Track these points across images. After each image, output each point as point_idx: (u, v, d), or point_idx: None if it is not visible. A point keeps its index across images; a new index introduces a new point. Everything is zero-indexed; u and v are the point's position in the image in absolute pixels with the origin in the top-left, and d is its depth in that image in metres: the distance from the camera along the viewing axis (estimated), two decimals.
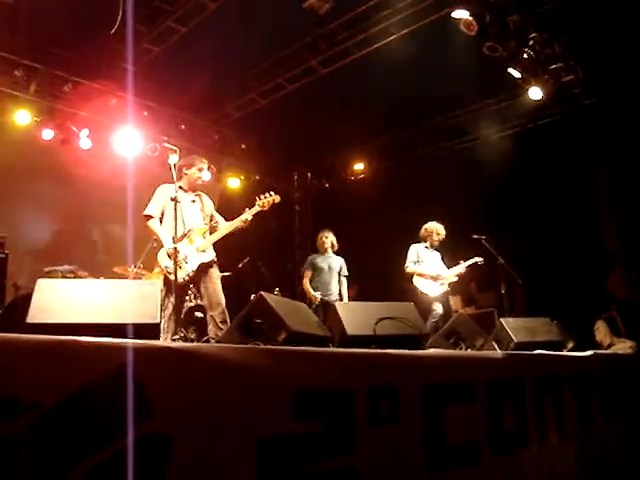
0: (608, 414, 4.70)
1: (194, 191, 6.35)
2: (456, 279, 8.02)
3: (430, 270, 7.89)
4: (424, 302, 7.67)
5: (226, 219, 6.44)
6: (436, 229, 8.12)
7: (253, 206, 6.23)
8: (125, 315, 3.06)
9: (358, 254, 12.02)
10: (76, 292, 3.19)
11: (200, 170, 6.35)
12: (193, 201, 6.26)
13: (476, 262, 7.98)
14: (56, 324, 2.91)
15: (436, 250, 8.14)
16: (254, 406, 2.32)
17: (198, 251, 5.97)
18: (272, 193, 6.26)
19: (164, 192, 6.02)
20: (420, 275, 7.87)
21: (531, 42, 8.69)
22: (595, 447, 4.38)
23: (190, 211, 6.15)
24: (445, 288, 7.90)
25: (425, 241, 8.12)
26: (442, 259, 8.17)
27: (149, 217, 6.00)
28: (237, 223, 6.17)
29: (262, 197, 6.22)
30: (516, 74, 9.12)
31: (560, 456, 4.00)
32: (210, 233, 6.21)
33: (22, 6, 7.79)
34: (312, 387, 2.57)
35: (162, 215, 5.99)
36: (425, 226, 8.20)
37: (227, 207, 12.69)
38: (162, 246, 5.93)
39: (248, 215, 6.19)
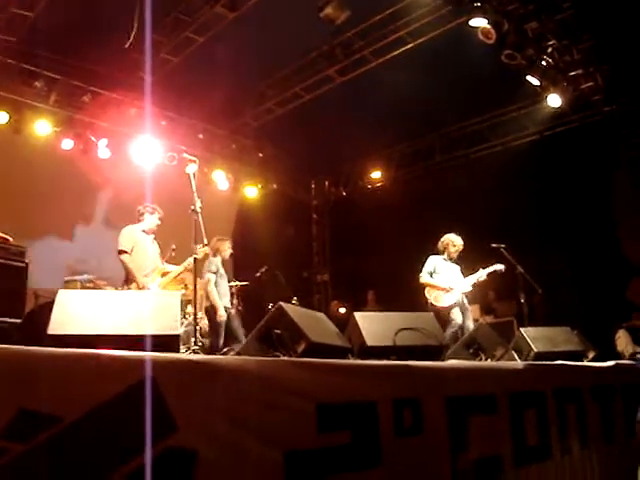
0: (631, 426, 4.63)
1: (149, 234, 6.97)
2: (470, 289, 7.89)
3: (444, 282, 7.78)
4: (434, 313, 7.55)
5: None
6: (451, 241, 7.97)
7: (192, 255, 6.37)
8: (145, 327, 3.06)
9: (375, 261, 12.05)
10: (96, 303, 3.19)
11: (160, 219, 7.04)
12: (152, 243, 6.95)
13: (495, 270, 7.88)
14: (77, 335, 2.91)
15: (455, 263, 8.01)
16: (278, 418, 2.31)
17: (160, 287, 6.71)
18: (202, 246, 6.37)
19: (131, 232, 6.81)
20: (432, 287, 7.78)
21: (550, 49, 8.66)
22: (619, 459, 4.31)
23: (153, 251, 6.90)
24: (457, 297, 7.74)
25: (443, 253, 8.01)
26: (461, 272, 8.03)
27: (123, 252, 6.64)
28: (182, 269, 6.89)
29: (199, 247, 6.25)
30: (534, 82, 9.06)
31: (583, 468, 3.94)
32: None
33: (42, 19, 7.90)
34: (335, 399, 2.56)
35: (131, 251, 6.66)
36: (442, 239, 8.09)
37: (245, 215, 12.87)
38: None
39: (187, 264, 6.73)
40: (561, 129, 10.51)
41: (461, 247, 7.97)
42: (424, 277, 7.85)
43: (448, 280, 7.80)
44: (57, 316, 3.02)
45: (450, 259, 7.96)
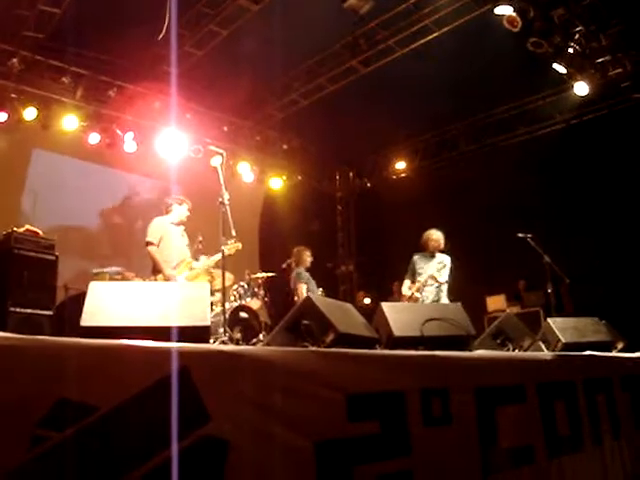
0: None
1: (178, 226, 7.00)
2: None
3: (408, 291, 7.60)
4: None
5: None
6: (427, 235, 7.87)
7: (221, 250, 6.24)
8: (175, 318, 3.08)
9: (400, 251, 12.00)
10: (127, 295, 3.22)
11: (189, 210, 7.08)
12: (182, 235, 6.97)
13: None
14: (108, 327, 2.94)
15: (442, 254, 7.80)
16: (308, 408, 2.33)
17: (187, 280, 6.66)
18: (234, 241, 6.39)
19: (161, 224, 6.86)
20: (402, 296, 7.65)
21: (577, 36, 8.52)
22: None
23: (181, 243, 6.92)
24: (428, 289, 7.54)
25: (424, 250, 7.91)
26: (443, 266, 7.73)
27: (150, 244, 6.68)
28: (211, 263, 6.86)
29: (229, 243, 6.30)
30: (561, 69, 8.95)
31: (615, 458, 3.92)
32: None
33: (68, 15, 7.98)
34: (363, 389, 2.57)
35: (159, 243, 6.70)
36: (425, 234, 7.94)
37: (271, 207, 12.91)
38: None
39: (211, 262, 6.83)
40: (589, 117, 10.37)
41: (439, 241, 7.80)
42: (404, 285, 7.77)
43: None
44: (89, 308, 3.03)
45: (431, 254, 7.82)
